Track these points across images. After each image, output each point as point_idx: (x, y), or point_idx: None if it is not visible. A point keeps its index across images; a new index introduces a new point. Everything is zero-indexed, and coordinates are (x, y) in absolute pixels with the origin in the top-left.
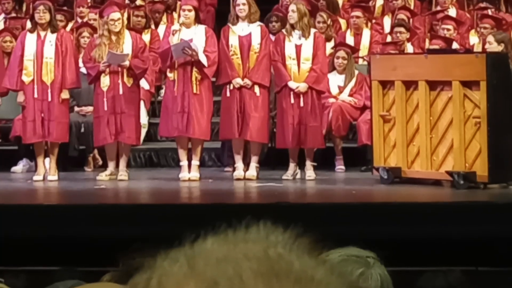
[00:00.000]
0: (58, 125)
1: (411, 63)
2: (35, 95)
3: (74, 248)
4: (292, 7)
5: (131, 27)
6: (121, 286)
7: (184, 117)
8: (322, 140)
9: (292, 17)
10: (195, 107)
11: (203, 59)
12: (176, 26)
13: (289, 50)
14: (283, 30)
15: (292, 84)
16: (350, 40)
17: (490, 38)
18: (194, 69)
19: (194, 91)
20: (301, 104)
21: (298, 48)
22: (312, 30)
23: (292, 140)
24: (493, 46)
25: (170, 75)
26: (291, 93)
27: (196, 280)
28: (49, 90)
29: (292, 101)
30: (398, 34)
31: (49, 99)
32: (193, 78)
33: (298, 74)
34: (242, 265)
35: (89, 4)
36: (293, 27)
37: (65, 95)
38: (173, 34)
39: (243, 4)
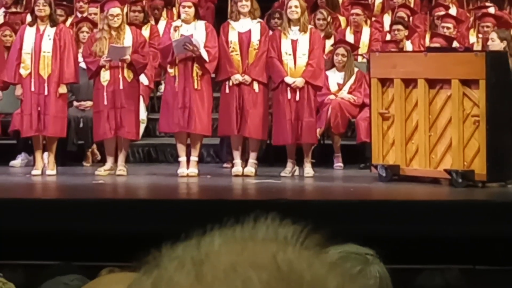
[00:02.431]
0: (55, 119)
1: (411, 61)
2: (32, 89)
3: (72, 243)
4: (295, 2)
5: (129, 22)
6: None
7: (186, 112)
8: (315, 136)
9: (296, 11)
10: (197, 103)
11: (204, 54)
12: (177, 22)
13: (286, 46)
14: (279, 27)
15: (288, 80)
16: (349, 37)
17: (493, 35)
18: (195, 65)
19: (195, 86)
20: (297, 98)
21: (294, 43)
22: (309, 26)
23: (290, 136)
24: (496, 43)
25: (170, 70)
26: (288, 88)
27: None
28: (45, 84)
29: (289, 96)
30: (396, 32)
31: (46, 93)
32: (194, 74)
33: (294, 69)
34: (251, 277)
35: None
36: (290, 23)
37: (62, 90)
38: (175, 31)
39: (246, 0)
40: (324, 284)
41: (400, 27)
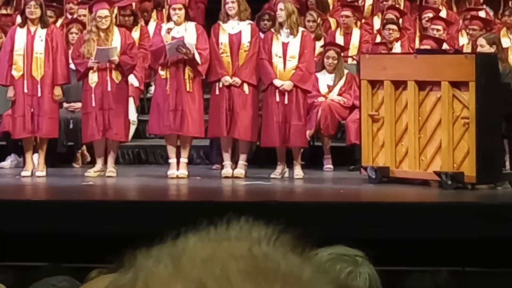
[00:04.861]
0: (48, 120)
1: (401, 63)
2: (25, 90)
3: (61, 244)
4: (280, 5)
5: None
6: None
7: (177, 115)
8: (305, 140)
9: (280, 15)
10: (189, 105)
11: (197, 57)
12: (170, 25)
13: (276, 48)
14: (272, 29)
15: (277, 82)
16: (339, 39)
17: (482, 41)
18: (187, 67)
19: (187, 89)
20: (286, 102)
21: (285, 46)
22: (300, 29)
23: (277, 138)
24: (486, 49)
25: (162, 73)
26: (276, 91)
27: (182, 281)
28: (38, 86)
29: (278, 99)
30: (391, 31)
31: (39, 94)
32: (186, 76)
33: (283, 71)
34: (228, 265)
35: (79, 0)
36: (281, 25)
37: (58, 92)
38: (168, 33)
39: (232, 2)
40: (300, 273)
41: (393, 27)
